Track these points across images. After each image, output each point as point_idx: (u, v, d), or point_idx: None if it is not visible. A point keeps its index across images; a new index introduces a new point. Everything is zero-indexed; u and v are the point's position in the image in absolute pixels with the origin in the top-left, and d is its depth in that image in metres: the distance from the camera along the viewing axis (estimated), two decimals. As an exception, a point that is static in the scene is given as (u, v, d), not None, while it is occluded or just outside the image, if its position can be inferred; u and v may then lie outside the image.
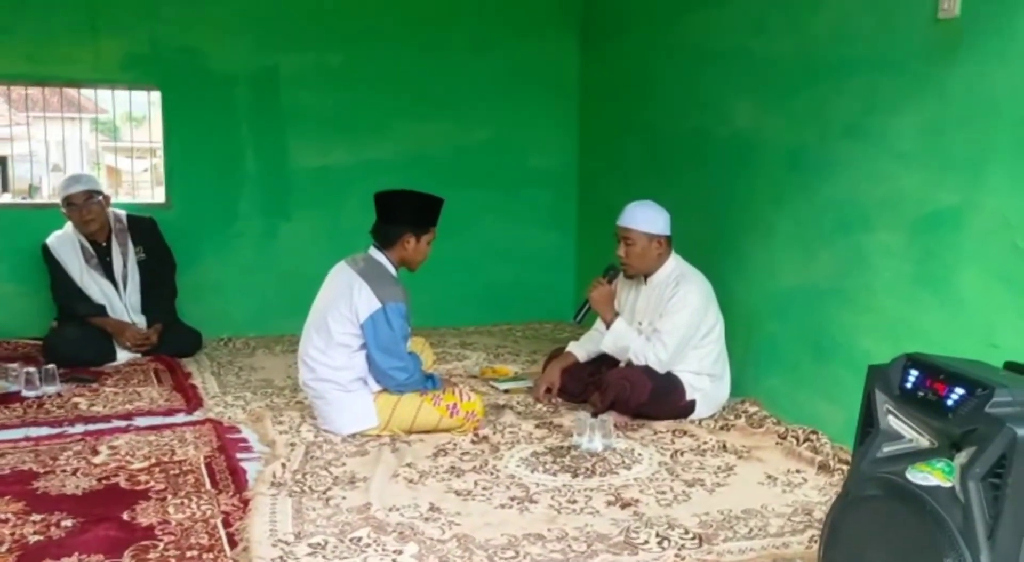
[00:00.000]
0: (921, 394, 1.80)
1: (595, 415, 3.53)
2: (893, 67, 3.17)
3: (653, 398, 3.64)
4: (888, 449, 1.87)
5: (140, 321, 4.71)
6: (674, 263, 3.82)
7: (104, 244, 4.68)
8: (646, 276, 3.85)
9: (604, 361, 3.93)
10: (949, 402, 1.72)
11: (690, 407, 3.73)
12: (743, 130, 4.05)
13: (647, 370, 3.69)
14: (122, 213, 4.78)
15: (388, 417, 3.42)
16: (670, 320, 3.69)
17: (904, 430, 1.85)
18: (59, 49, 4.87)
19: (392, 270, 3.51)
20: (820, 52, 3.56)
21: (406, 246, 3.50)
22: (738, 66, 4.07)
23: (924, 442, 1.80)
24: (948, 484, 1.67)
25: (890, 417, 1.88)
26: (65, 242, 4.62)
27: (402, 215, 3.48)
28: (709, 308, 3.77)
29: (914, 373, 1.84)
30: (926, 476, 1.71)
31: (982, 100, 2.81)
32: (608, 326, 3.84)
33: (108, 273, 4.65)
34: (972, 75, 2.85)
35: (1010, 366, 1.87)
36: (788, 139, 3.76)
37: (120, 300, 4.67)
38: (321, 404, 3.49)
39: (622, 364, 3.86)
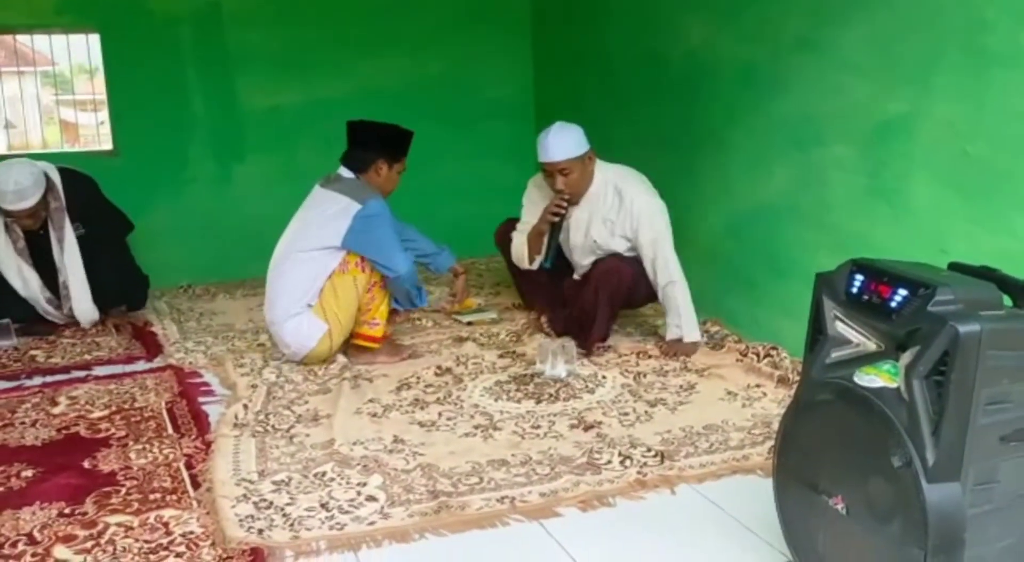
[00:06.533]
0: (866, 298, 1.80)
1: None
2: (841, -24, 3.12)
3: (635, 279, 3.62)
4: (837, 355, 1.88)
5: (89, 310, 4.13)
6: (601, 170, 3.69)
7: (41, 232, 4.03)
8: None
9: (561, 275, 3.94)
10: (893, 304, 1.72)
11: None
12: (696, 49, 4.00)
13: (618, 257, 3.65)
14: (57, 181, 3.98)
15: (324, 314, 3.46)
16: (652, 232, 3.58)
17: (851, 335, 1.85)
18: (-9, -6, 4.70)
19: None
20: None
21: (379, 172, 3.57)
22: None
23: (871, 346, 1.80)
24: (894, 385, 1.68)
25: (838, 323, 1.89)
26: None
27: (376, 142, 3.57)
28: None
29: (859, 278, 1.84)
30: (872, 378, 1.73)
31: (929, 7, 2.79)
32: None
33: (38, 259, 4.04)
34: (918, -19, 2.83)
35: (954, 266, 1.88)
36: (740, 56, 3.72)
37: (42, 292, 4.08)
38: (275, 330, 3.54)
39: (576, 276, 3.88)
